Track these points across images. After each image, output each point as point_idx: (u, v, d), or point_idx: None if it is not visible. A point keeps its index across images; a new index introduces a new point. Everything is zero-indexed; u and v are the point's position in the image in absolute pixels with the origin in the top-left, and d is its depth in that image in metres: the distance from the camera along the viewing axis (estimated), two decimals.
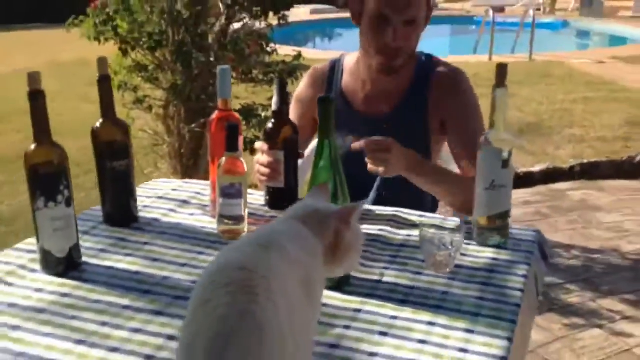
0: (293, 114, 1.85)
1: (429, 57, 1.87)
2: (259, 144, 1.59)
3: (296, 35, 11.01)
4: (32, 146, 1.22)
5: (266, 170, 1.54)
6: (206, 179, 1.65)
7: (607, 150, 4.95)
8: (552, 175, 4.55)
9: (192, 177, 2.98)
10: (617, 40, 11.96)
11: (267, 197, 1.61)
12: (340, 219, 0.95)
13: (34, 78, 1.15)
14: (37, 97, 1.17)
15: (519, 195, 4.26)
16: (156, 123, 3.61)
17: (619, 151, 4.93)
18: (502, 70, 1.33)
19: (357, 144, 1.54)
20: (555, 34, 12.92)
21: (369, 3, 1.71)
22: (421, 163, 1.66)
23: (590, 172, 4.61)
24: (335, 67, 1.92)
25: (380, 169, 1.53)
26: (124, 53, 3.30)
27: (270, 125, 1.56)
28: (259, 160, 1.57)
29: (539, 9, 15.02)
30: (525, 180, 4.44)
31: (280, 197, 1.57)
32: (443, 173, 1.74)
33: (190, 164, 3.60)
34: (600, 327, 2.72)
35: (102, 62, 1.38)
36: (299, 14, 12.37)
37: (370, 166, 1.54)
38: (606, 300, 2.92)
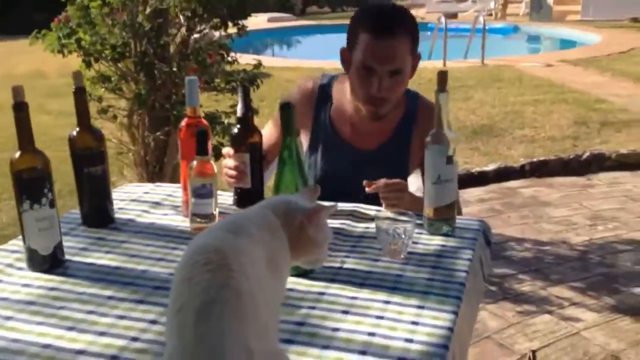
0: (276, 122, 1.95)
1: (416, 95, 1.96)
2: (225, 150, 1.70)
3: (254, 43, 11.11)
4: (17, 153, 1.32)
5: (233, 173, 1.66)
6: (172, 183, 1.75)
7: (556, 149, 5.18)
8: (504, 174, 4.76)
9: None
10: (565, 44, 12.35)
11: (235, 197, 1.71)
12: (307, 216, 1.07)
13: (17, 91, 1.26)
14: (21, 108, 1.27)
15: (474, 193, 4.46)
16: (120, 132, 3.69)
17: (568, 149, 5.17)
18: (442, 76, 1.47)
19: (372, 188, 1.64)
20: (506, 39, 13.28)
21: (356, 54, 1.79)
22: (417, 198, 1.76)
23: (539, 169, 4.83)
24: (324, 92, 1.98)
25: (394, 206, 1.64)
26: (88, 65, 3.37)
27: (235, 130, 1.66)
28: (227, 163, 1.68)
29: (490, 14, 15.43)
30: (479, 179, 4.65)
31: (247, 197, 1.66)
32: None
33: (155, 171, 3.68)
34: (550, 312, 2.89)
35: (77, 75, 1.48)
36: (257, 22, 12.45)
37: (385, 204, 1.66)
38: (556, 288, 3.11)
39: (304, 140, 2.00)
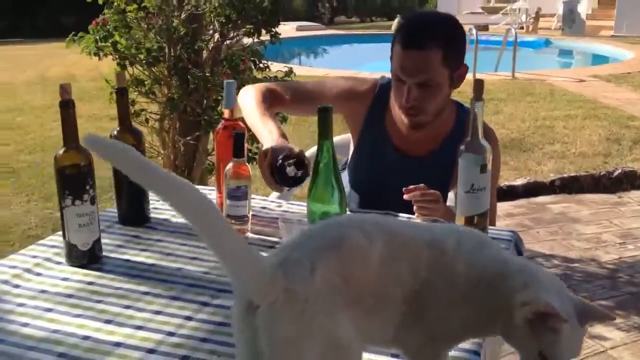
0: (329, 82, 1.97)
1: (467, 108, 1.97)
2: None
3: (282, 52, 11.19)
4: (61, 150, 1.35)
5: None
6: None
7: (587, 166, 5.13)
8: (533, 189, 4.73)
9: None
10: (598, 59, 12.24)
11: None
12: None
13: (65, 89, 1.29)
14: (67, 106, 1.31)
15: (502, 207, 4.42)
16: (151, 136, 3.74)
17: (599, 166, 5.12)
18: (479, 85, 1.47)
19: (409, 195, 1.64)
20: (537, 53, 13.21)
21: (392, 64, 1.81)
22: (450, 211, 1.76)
23: (570, 186, 4.79)
24: (383, 93, 1.96)
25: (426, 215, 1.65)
26: (123, 68, 3.44)
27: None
28: None
29: (522, 28, 15.34)
30: (508, 194, 4.61)
31: None
32: None
33: (184, 175, 3.73)
34: None
35: (120, 76, 1.52)
36: (286, 30, 12.54)
37: (417, 213, 1.66)
38: None
39: (354, 130, 2.00)
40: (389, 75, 1.90)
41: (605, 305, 3.08)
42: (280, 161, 1.49)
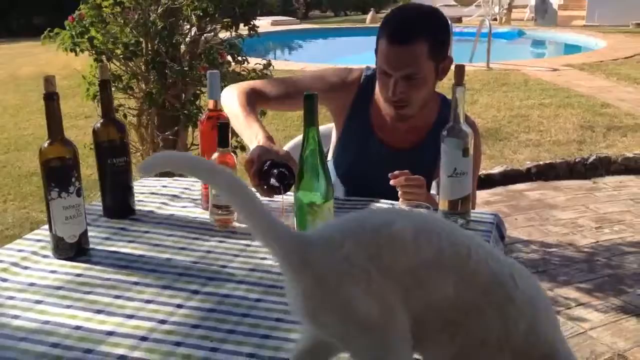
0: (308, 76, 1.98)
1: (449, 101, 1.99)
2: None
3: (257, 47, 11.16)
4: (46, 143, 1.35)
5: None
6: None
7: (562, 153, 5.20)
8: (510, 177, 4.79)
9: None
10: (570, 49, 12.37)
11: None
12: None
13: (49, 81, 1.29)
14: (52, 98, 1.31)
15: (481, 195, 4.46)
16: (130, 131, 3.72)
17: (573, 153, 5.19)
18: (460, 70, 1.50)
19: (395, 181, 1.65)
20: (511, 43, 13.31)
21: (378, 57, 1.82)
22: (432, 199, 1.79)
23: (546, 173, 4.86)
24: (368, 83, 1.97)
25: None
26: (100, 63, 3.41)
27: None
28: None
29: (495, 19, 15.45)
30: (485, 182, 4.66)
31: None
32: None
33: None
34: (557, 313, 2.91)
35: (103, 68, 1.52)
36: (260, 25, 12.49)
37: (402, 198, 1.66)
38: (563, 289, 3.13)
39: (338, 121, 2.02)
40: (373, 66, 1.91)
41: (584, 288, 3.14)
42: (266, 167, 1.50)
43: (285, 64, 10.09)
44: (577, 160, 4.96)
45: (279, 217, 1.54)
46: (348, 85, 1.98)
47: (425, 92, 1.85)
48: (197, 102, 3.53)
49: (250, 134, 1.68)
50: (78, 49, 3.43)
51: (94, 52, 3.41)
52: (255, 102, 1.84)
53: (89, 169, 3.29)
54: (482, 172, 4.72)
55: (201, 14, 3.49)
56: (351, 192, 1.98)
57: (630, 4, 14.51)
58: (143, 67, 3.49)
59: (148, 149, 3.72)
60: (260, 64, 3.66)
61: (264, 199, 1.65)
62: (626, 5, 14.50)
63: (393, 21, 1.81)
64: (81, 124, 6.00)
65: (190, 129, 3.60)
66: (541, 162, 4.94)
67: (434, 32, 1.81)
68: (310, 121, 1.30)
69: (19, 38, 13.53)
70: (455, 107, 1.51)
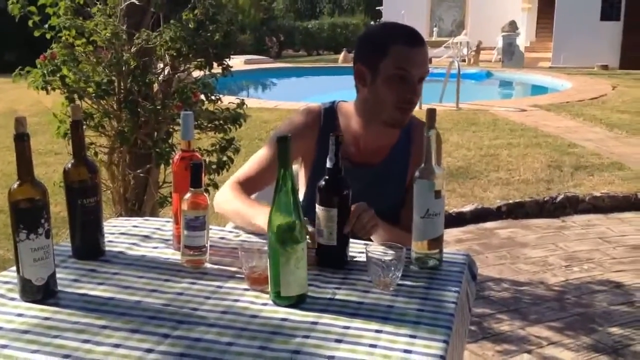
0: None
1: None
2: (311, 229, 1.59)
3: (231, 85, 11.21)
4: (16, 183, 1.33)
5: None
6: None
7: (530, 192, 5.29)
8: (481, 215, 4.85)
9: None
10: (537, 89, 12.68)
11: (316, 254, 1.58)
12: None
13: (20, 122, 1.28)
14: (22, 139, 1.29)
15: (452, 233, 4.51)
16: (100, 169, 3.67)
17: (542, 192, 5.28)
18: (431, 114, 1.53)
19: (347, 228, 1.59)
20: (479, 84, 13.59)
21: (386, 65, 1.86)
22: (389, 228, 1.82)
23: (515, 211, 4.93)
24: (329, 116, 2.02)
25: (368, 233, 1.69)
26: (71, 102, 3.39)
27: (323, 183, 1.56)
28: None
29: (463, 60, 15.78)
30: (457, 220, 4.71)
31: (330, 254, 1.58)
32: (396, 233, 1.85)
33: (134, 209, 3.67)
34: (529, 352, 2.92)
35: (75, 109, 1.51)
36: (234, 64, 12.57)
37: (365, 234, 1.68)
38: (534, 328, 3.14)
39: (306, 164, 2.05)
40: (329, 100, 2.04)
41: (555, 327, 3.16)
42: None
43: (259, 102, 10.15)
44: (546, 199, 5.04)
45: (232, 257, 1.55)
46: (309, 128, 2.01)
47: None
48: (170, 141, 3.52)
49: (257, 210, 1.76)
50: (49, 87, 3.41)
51: (65, 90, 3.39)
52: (245, 190, 1.91)
53: (57, 206, 3.24)
54: (454, 210, 4.78)
55: (175, 54, 3.50)
56: None
57: (594, 47, 14.95)
58: (115, 106, 3.47)
59: (119, 187, 3.69)
60: (233, 102, 3.67)
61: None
62: (590, 48, 14.93)
63: (400, 28, 1.92)
64: (50, 160, 5.94)
65: (162, 167, 3.58)
66: (511, 201, 5.01)
67: None
68: (284, 163, 1.31)
69: None
70: (428, 149, 1.53)
